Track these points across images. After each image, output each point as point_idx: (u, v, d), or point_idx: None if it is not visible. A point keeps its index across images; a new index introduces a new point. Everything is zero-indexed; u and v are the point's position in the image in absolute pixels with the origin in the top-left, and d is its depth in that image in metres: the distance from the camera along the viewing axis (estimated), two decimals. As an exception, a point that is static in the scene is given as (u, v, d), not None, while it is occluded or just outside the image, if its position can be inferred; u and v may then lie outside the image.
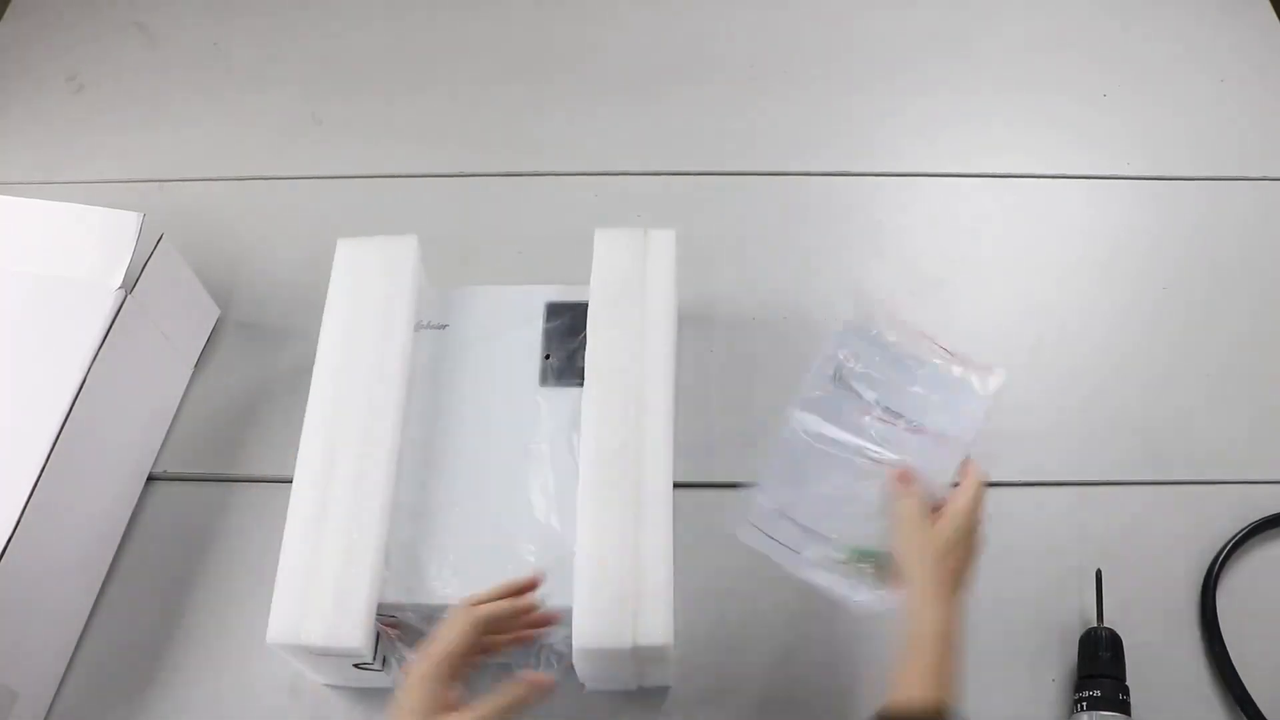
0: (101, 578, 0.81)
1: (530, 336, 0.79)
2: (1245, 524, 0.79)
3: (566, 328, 0.79)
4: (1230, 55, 1.10)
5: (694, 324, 0.92)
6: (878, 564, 0.62)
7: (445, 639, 0.57)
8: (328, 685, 0.75)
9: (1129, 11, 1.13)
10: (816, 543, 0.63)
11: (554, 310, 0.80)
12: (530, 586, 0.61)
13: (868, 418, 0.64)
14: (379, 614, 0.69)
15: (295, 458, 0.84)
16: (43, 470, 0.71)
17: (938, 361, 0.66)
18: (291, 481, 0.84)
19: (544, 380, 0.77)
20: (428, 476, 0.74)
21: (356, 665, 0.69)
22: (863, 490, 0.63)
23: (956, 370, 0.65)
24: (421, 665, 0.57)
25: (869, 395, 0.65)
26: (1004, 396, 0.87)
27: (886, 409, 0.64)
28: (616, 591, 0.66)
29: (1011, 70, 1.09)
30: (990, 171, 1.02)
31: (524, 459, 0.74)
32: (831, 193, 1.01)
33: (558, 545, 0.70)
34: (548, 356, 0.78)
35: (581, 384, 0.75)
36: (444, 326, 0.80)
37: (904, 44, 1.12)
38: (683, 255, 0.97)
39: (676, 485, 0.83)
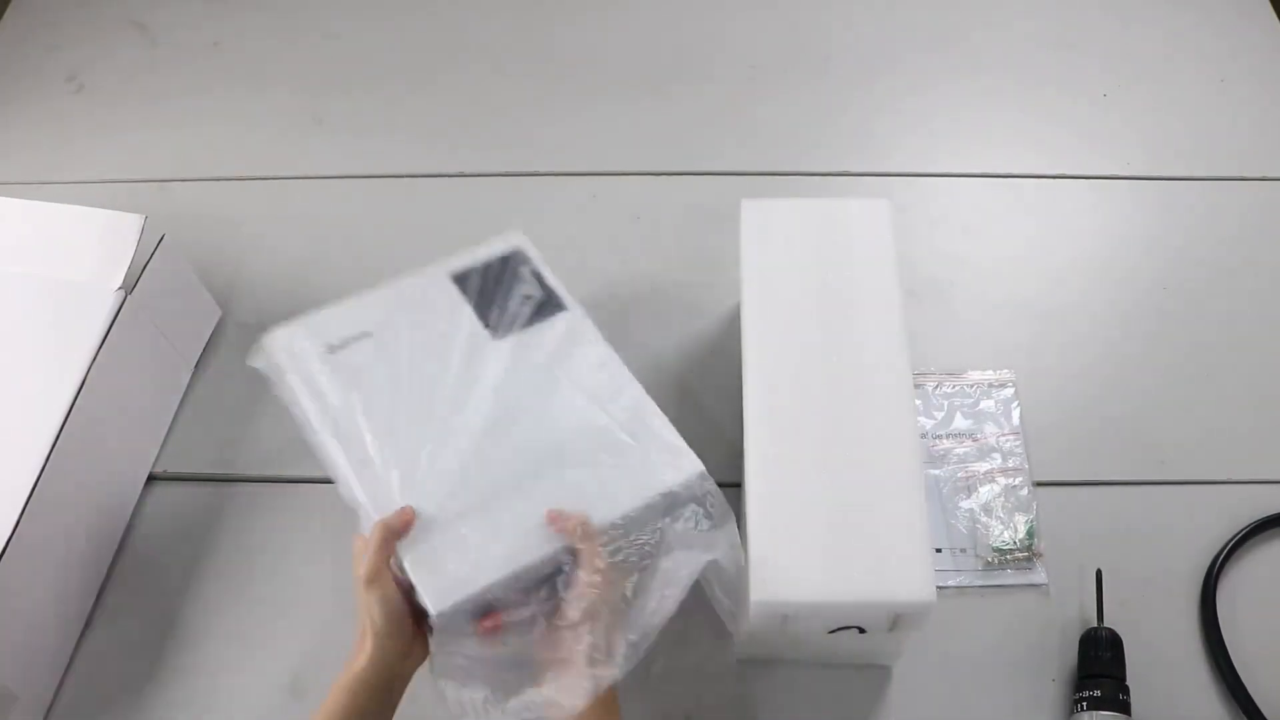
0: (101, 578, 0.81)
1: (455, 309, 0.75)
2: (1245, 524, 0.79)
3: (483, 285, 0.76)
4: (1230, 55, 1.10)
5: (693, 323, 0.92)
6: None
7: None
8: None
9: (1129, 11, 1.13)
10: None
11: (461, 279, 0.77)
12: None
13: None
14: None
15: (293, 458, 0.85)
16: (43, 470, 0.71)
17: None
18: (292, 481, 0.84)
19: (495, 331, 0.74)
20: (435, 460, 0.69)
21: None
22: None
23: None
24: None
25: None
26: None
27: None
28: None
29: (1011, 70, 1.09)
30: (990, 171, 1.02)
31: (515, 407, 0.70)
32: (831, 192, 1.01)
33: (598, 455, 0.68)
34: (488, 318, 0.74)
35: (528, 325, 0.73)
36: (367, 335, 0.74)
37: (904, 44, 1.12)
38: (683, 255, 0.97)
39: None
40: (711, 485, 0.69)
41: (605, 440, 0.69)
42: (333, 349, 0.72)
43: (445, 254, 0.97)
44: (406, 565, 0.64)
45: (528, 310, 0.75)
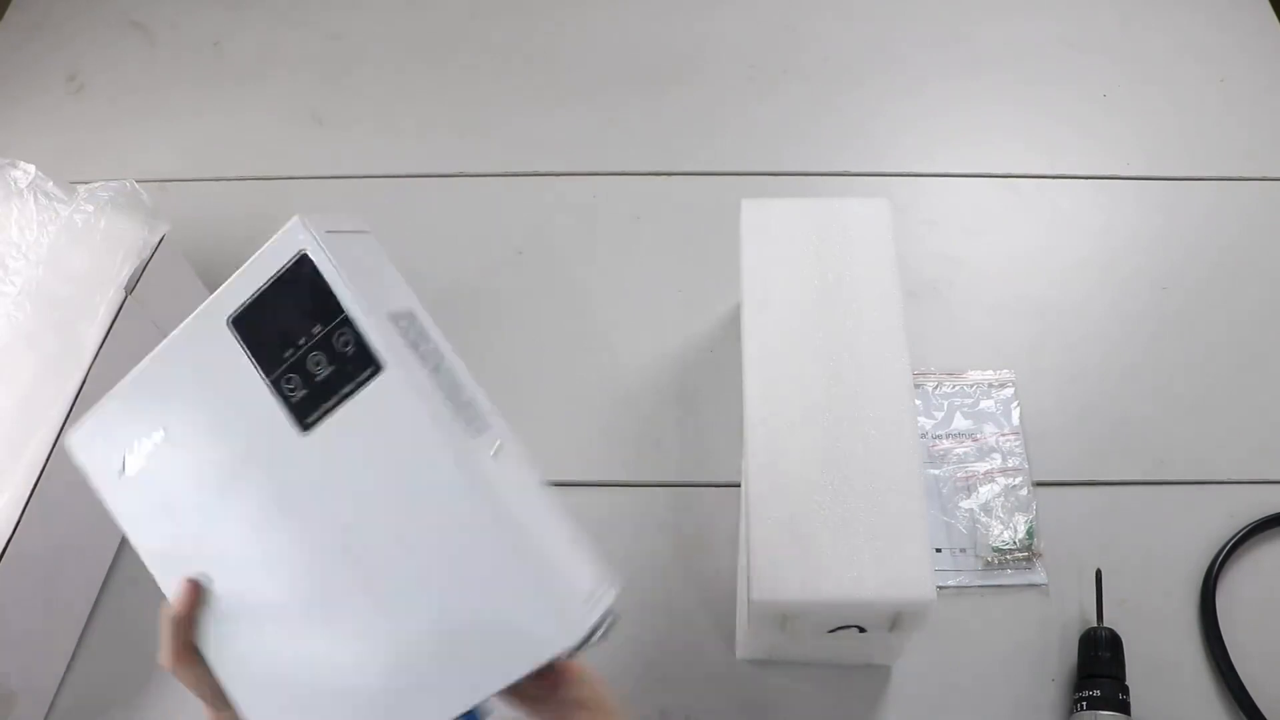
0: (102, 578, 0.81)
1: (246, 383, 0.52)
2: (1245, 524, 0.79)
3: (267, 332, 0.51)
4: (1230, 55, 1.10)
5: (693, 323, 0.92)
6: None
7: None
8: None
9: (1129, 11, 1.13)
10: None
11: (242, 322, 0.52)
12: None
13: None
14: None
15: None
16: (43, 470, 0.71)
17: None
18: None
19: (303, 422, 0.51)
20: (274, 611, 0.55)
21: None
22: None
23: None
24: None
25: None
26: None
27: None
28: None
29: (1012, 70, 1.09)
30: (990, 171, 1.02)
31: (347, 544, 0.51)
32: (831, 192, 1.01)
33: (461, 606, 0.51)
34: (288, 393, 0.51)
35: (342, 399, 0.50)
36: (161, 433, 0.55)
37: (903, 44, 1.12)
38: (683, 255, 0.97)
39: (674, 485, 0.84)
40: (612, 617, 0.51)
41: (444, 606, 0.51)
42: (125, 465, 0.55)
43: (447, 256, 0.97)
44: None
45: (333, 376, 0.50)
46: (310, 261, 0.49)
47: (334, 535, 0.52)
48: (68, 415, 0.74)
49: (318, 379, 0.50)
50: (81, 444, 0.57)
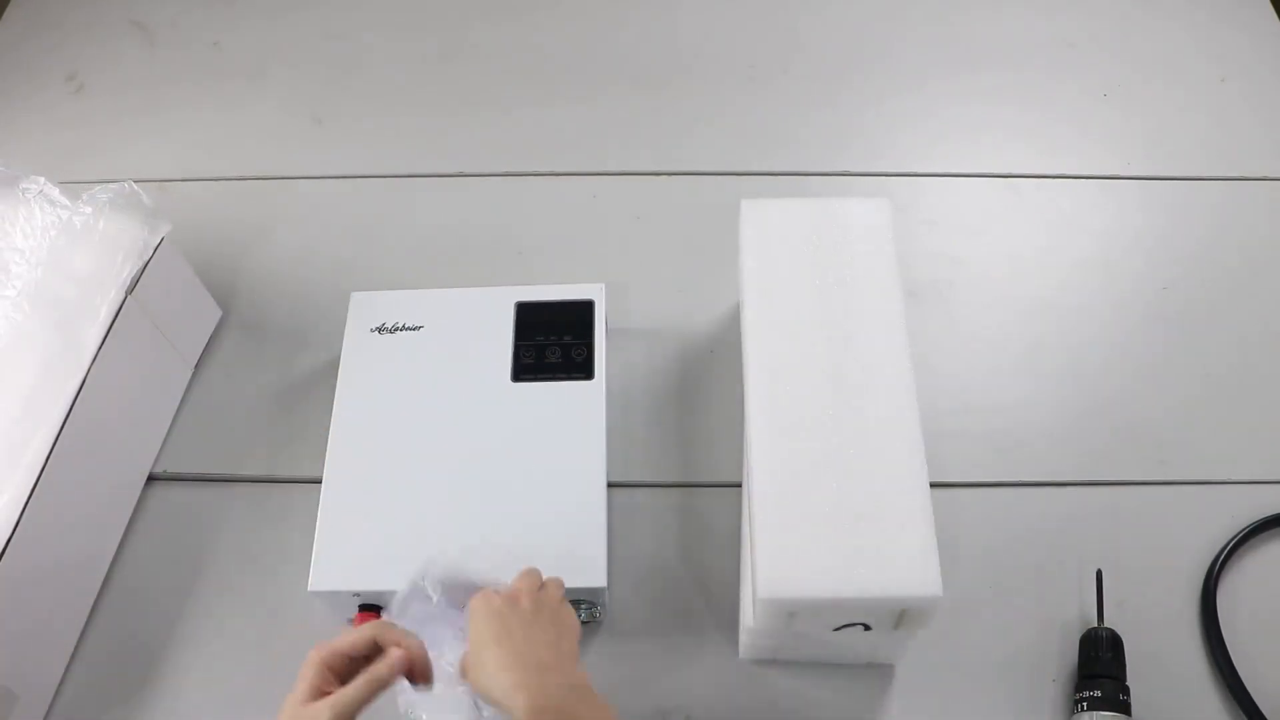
0: (101, 578, 0.81)
1: (501, 335, 0.83)
2: (1245, 524, 0.79)
3: (536, 326, 0.83)
4: (1231, 55, 1.10)
5: (693, 323, 0.92)
6: None
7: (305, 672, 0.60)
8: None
9: (1130, 10, 1.13)
10: None
11: (524, 310, 0.84)
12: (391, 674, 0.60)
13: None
14: (361, 606, 0.73)
15: (293, 458, 0.85)
16: (43, 470, 0.71)
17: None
18: (291, 482, 0.84)
19: (516, 376, 0.80)
20: (408, 470, 0.77)
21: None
22: None
23: None
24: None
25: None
26: (1003, 397, 0.87)
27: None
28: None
29: (1012, 69, 1.09)
30: (990, 171, 1.02)
31: (499, 451, 0.77)
32: (831, 192, 1.01)
33: (535, 531, 0.74)
34: (520, 354, 0.81)
35: (551, 379, 0.80)
36: (419, 328, 0.83)
37: (904, 44, 1.12)
38: (684, 256, 0.97)
39: (674, 485, 0.84)
40: (605, 598, 0.74)
41: (535, 516, 0.75)
42: (384, 329, 0.83)
43: (446, 256, 0.98)
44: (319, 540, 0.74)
45: (558, 363, 0.81)
46: (594, 305, 0.84)
47: (491, 444, 0.78)
48: (68, 415, 0.74)
49: (544, 360, 0.81)
50: (360, 298, 0.85)
